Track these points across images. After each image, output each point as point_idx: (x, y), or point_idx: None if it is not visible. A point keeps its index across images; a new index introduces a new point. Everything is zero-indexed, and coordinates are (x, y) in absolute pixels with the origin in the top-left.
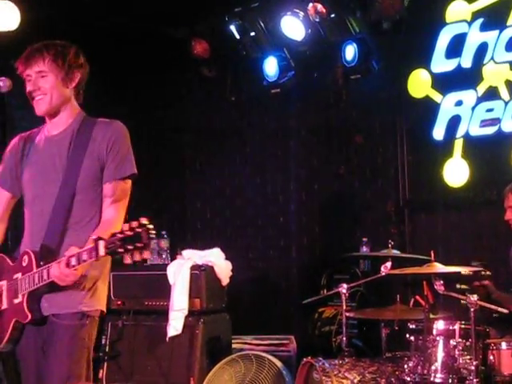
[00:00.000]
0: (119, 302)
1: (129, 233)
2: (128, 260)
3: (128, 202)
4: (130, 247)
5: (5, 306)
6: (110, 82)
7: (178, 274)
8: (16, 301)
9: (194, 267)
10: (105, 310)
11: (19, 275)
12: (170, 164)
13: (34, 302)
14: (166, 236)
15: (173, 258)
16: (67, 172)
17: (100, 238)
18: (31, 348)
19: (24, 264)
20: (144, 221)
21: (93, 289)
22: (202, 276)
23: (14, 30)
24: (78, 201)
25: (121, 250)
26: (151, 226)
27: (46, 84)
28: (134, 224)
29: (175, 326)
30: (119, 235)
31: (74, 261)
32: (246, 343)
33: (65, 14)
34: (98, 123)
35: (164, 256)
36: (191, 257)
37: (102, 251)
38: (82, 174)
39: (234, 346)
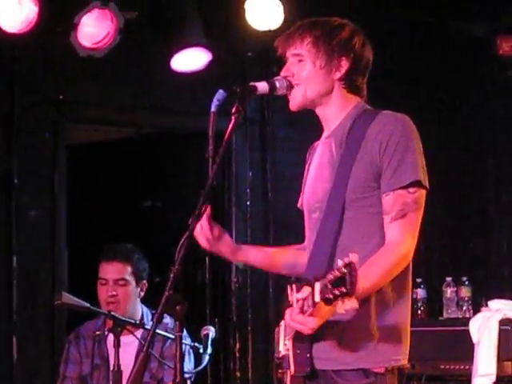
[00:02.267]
0: (408, 365)
1: (336, 273)
2: (340, 310)
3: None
4: (336, 292)
5: (282, 352)
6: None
7: (484, 330)
8: (285, 347)
9: (504, 321)
10: (406, 363)
11: None
12: (472, 190)
13: (300, 350)
14: (467, 283)
15: (476, 311)
16: (335, 183)
17: (317, 279)
18: None
19: (290, 300)
20: (352, 257)
21: (378, 335)
22: None
23: (275, 29)
24: (348, 217)
25: (329, 297)
26: (356, 264)
27: (302, 71)
28: (341, 263)
29: None
30: (330, 276)
31: (306, 305)
32: None
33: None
34: (376, 118)
35: (465, 308)
36: (500, 308)
37: (317, 297)
38: (350, 185)
39: None
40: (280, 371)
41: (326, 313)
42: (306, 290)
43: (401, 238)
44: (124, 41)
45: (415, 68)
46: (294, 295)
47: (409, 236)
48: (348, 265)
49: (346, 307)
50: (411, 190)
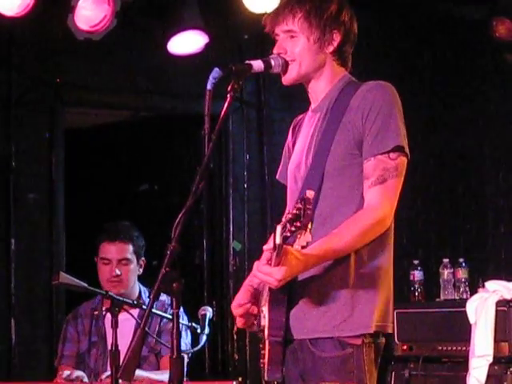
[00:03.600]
0: (405, 347)
1: (294, 211)
2: (297, 246)
3: (402, 185)
4: (292, 229)
5: (262, 323)
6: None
7: (481, 311)
8: (262, 314)
9: (501, 303)
10: (387, 330)
11: None
12: (469, 172)
13: (275, 315)
14: (463, 264)
15: (473, 292)
16: (317, 152)
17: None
18: (292, 377)
19: None
20: (308, 194)
21: (351, 302)
22: (511, 314)
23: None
24: (326, 188)
25: (287, 235)
26: (310, 198)
27: (295, 47)
28: (298, 199)
29: (477, 376)
30: (289, 215)
31: (270, 253)
32: None
33: None
34: (360, 88)
35: (462, 289)
36: (497, 289)
37: (278, 239)
38: (332, 153)
39: None
40: (261, 345)
41: (295, 264)
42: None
43: (378, 203)
44: (121, 24)
45: (410, 50)
46: (264, 246)
47: (387, 202)
48: (302, 200)
49: (302, 243)
50: (392, 155)
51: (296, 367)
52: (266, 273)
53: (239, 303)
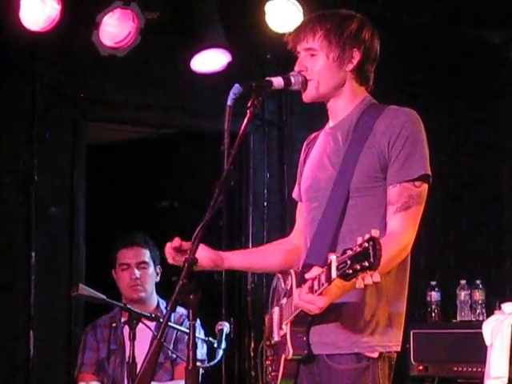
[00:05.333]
0: (421, 367)
1: (358, 249)
2: (360, 285)
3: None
4: (357, 267)
5: (276, 338)
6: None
7: (497, 332)
8: (282, 332)
9: None
10: (398, 350)
11: (284, 300)
12: (488, 194)
13: (298, 334)
14: (480, 286)
15: (489, 314)
16: (341, 171)
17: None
18: None
19: (288, 286)
20: (374, 233)
21: (373, 322)
22: None
23: None
24: (351, 206)
25: (349, 272)
26: (378, 239)
27: (315, 66)
28: (362, 239)
29: None
30: (350, 252)
31: (316, 284)
32: None
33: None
34: (384, 112)
35: (478, 311)
36: None
37: (334, 273)
38: (356, 173)
39: None
40: (269, 357)
41: (335, 293)
42: (316, 270)
43: (403, 229)
44: (145, 41)
45: (430, 74)
46: (306, 275)
47: (411, 228)
48: (371, 239)
49: (368, 282)
50: (417, 183)
51: (310, 381)
52: (308, 301)
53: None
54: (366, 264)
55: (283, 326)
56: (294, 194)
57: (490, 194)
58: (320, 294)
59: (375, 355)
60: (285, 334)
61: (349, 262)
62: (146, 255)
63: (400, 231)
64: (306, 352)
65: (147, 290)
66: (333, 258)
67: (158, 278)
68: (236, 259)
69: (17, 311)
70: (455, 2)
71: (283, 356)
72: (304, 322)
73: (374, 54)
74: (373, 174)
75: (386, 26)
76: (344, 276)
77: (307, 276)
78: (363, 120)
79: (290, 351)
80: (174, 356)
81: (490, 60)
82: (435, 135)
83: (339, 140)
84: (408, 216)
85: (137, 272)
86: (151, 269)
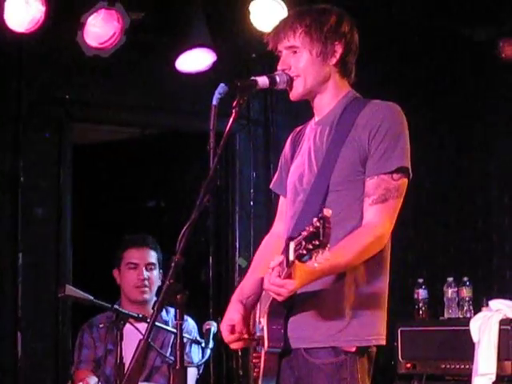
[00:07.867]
0: (409, 365)
1: (310, 228)
2: (313, 264)
3: (401, 205)
4: (310, 246)
5: (258, 333)
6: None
7: (484, 329)
8: (260, 326)
9: (504, 321)
10: (381, 343)
11: (263, 293)
12: (475, 192)
13: (273, 326)
14: (468, 283)
15: (477, 311)
16: (322, 165)
17: (291, 239)
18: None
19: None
20: (325, 212)
21: (350, 315)
22: None
23: None
24: (332, 200)
25: (303, 252)
26: (329, 216)
27: (299, 63)
28: (316, 219)
29: None
30: (304, 233)
31: (281, 268)
32: None
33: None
34: (366, 106)
35: (465, 308)
36: (501, 308)
37: (291, 255)
38: (337, 167)
39: None
40: (255, 355)
41: (305, 277)
42: (280, 256)
43: (378, 221)
44: (130, 41)
45: (416, 71)
46: (270, 263)
47: (387, 221)
48: (321, 218)
49: (319, 260)
50: (395, 176)
51: (291, 376)
52: (278, 284)
53: (231, 324)
54: (317, 242)
55: (261, 319)
56: (274, 185)
57: (477, 190)
58: (288, 277)
59: (353, 349)
60: (263, 327)
61: (303, 243)
62: (154, 257)
63: (375, 223)
64: (282, 344)
65: (152, 292)
66: (291, 242)
67: (160, 282)
68: (250, 288)
69: (4, 312)
70: None
71: (263, 350)
72: (280, 313)
73: (354, 45)
74: (354, 168)
75: (372, 23)
76: (299, 257)
77: (272, 264)
78: (346, 114)
79: (266, 343)
80: (172, 360)
81: (476, 57)
82: (421, 132)
83: (324, 134)
84: (384, 208)
85: (145, 273)
86: (157, 271)
